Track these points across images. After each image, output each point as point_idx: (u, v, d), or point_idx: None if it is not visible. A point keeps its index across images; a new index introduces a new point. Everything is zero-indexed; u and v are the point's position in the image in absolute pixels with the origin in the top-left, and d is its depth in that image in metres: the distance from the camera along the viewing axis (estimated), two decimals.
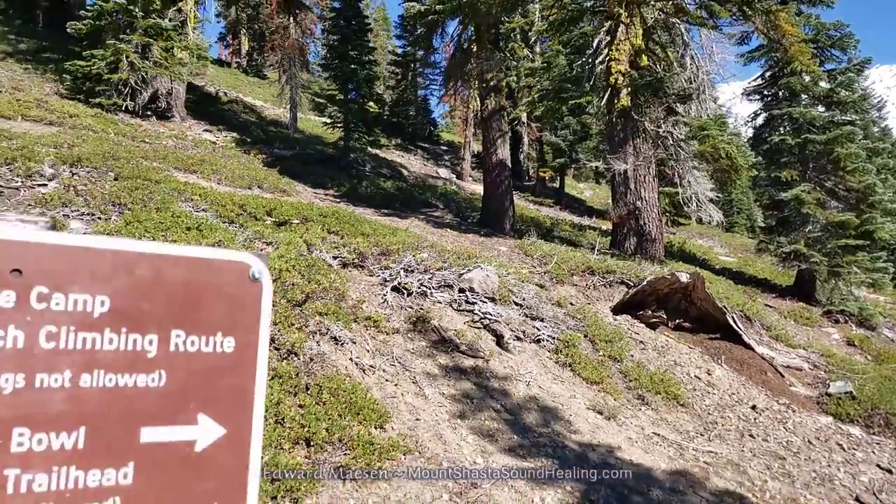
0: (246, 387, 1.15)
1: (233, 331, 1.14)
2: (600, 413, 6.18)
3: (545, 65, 22.99)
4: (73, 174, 8.57)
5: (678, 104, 13.92)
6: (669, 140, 13.68)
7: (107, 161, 9.35)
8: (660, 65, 13.83)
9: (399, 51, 37.78)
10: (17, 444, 0.93)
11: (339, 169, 17.93)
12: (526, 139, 31.74)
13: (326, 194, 15.08)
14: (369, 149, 20.50)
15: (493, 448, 5.09)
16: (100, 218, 7.13)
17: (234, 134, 16.74)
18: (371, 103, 20.71)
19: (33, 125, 12.27)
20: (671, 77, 13.52)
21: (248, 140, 17.45)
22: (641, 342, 8.27)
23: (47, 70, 17.28)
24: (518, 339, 7.26)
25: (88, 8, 16.26)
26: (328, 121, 19.97)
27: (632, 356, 7.65)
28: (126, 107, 15.17)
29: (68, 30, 16.27)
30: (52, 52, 18.80)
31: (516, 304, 8.11)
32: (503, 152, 16.11)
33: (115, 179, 8.73)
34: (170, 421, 1.06)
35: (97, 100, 14.97)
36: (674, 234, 23.93)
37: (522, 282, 8.93)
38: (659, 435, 6.15)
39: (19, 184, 7.73)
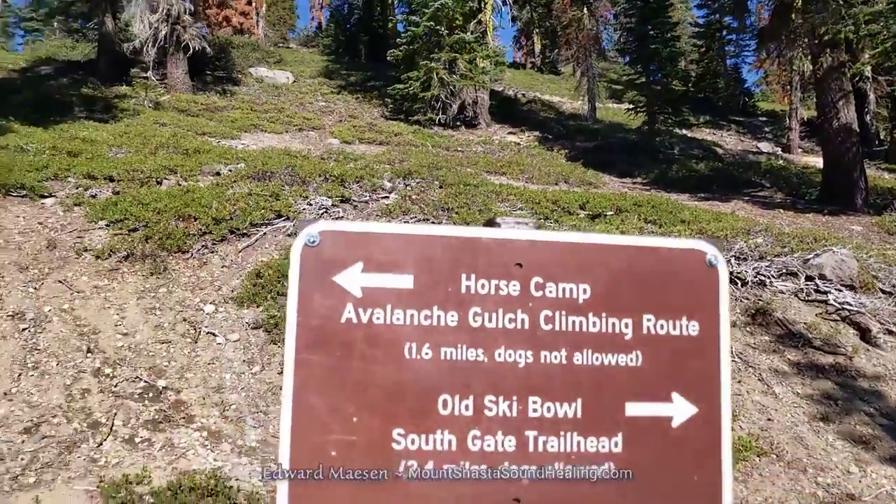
0: (712, 368, 1.23)
1: (695, 315, 1.24)
2: None
3: (892, 5, 19.08)
4: (406, 185, 9.99)
5: None
6: None
7: (431, 171, 10.66)
8: None
9: (701, 21, 35.38)
10: (532, 411, 1.16)
11: (645, 155, 17.55)
12: (872, 97, 26.80)
13: (634, 183, 14.90)
14: (676, 130, 19.65)
15: (869, 457, 4.51)
16: (433, 222, 8.19)
17: (536, 132, 17.68)
18: (675, 82, 19.83)
19: (368, 146, 14.66)
20: None
21: (550, 137, 18.23)
22: None
23: (373, 97, 20.47)
24: (890, 332, 6.28)
25: (402, 35, 18.81)
26: (629, 107, 19.73)
27: None
28: (439, 120, 17.15)
29: (388, 58, 19.06)
30: (376, 80, 22.19)
31: (884, 291, 7.01)
32: (847, 115, 13.91)
33: (441, 187, 9.92)
34: (649, 398, 1.20)
35: (415, 117, 17.25)
36: None
37: (890, 266, 7.64)
38: None
39: (367, 198, 9.28)
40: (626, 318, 1.22)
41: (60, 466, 3.67)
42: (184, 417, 4.44)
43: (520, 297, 1.18)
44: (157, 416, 4.39)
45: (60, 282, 6.14)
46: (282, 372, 4.01)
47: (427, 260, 1.14)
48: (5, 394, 4.37)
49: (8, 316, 5.41)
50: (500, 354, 1.16)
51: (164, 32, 16.72)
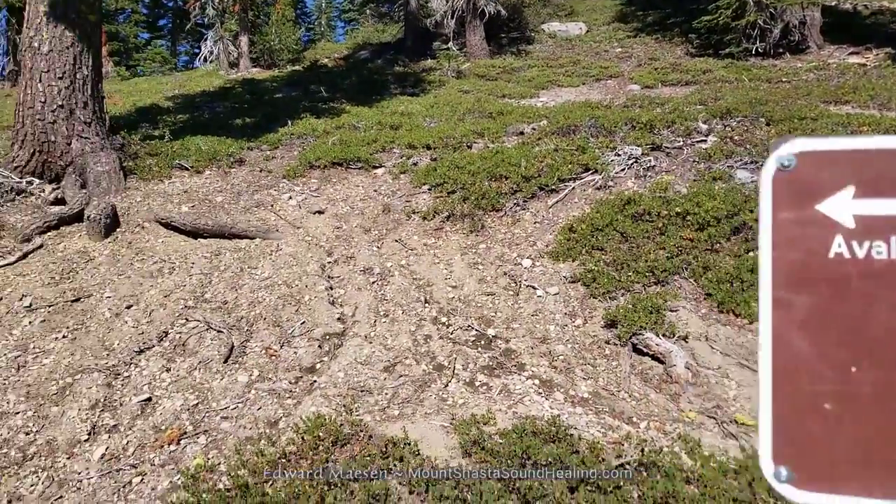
0: None
1: None
2: None
3: None
4: (725, 125, 9.11)
5: None
6: None
7: (754, 107, 9.55)
8: None
9: None
10: None
11: None
12: None
13: None
14: None
15: None
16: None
17: (887, 49, 14.67)
18: None
19: (673, 88, 13.74)
20: None
21: None
22: None
23: (674, 35, 19.10)
24: None
25: None
26: None
27: None
28: (755, 49, 15.31)
29: None
30: (675, 17, 20.64)
31: None
32: None
33: (768, 124, 8.84)
34: None
35: (726, 50, 15.66)
36: None
37: None
38: None
39: (681, 143, 8.69)
40: None
41: (417, 403, 4.17)
42: (515, 365, 4.71)
43: None
44: (490, 363, 4.73)
45: (396, 241, 6.97)
46: (606, 326, 3.96)
47: None
48: (366, 337, 5.12)
49: (360, 271, 6.32)
50: None
51: (461, 2, 17.78)
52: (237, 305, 5.74)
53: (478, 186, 7.56)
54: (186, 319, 5.47)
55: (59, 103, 8.10)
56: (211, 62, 21.51)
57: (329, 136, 10.32)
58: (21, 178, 8.02)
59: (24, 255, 6.48)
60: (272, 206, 7.88)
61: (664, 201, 6.58)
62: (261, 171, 9.13)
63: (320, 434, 3.68)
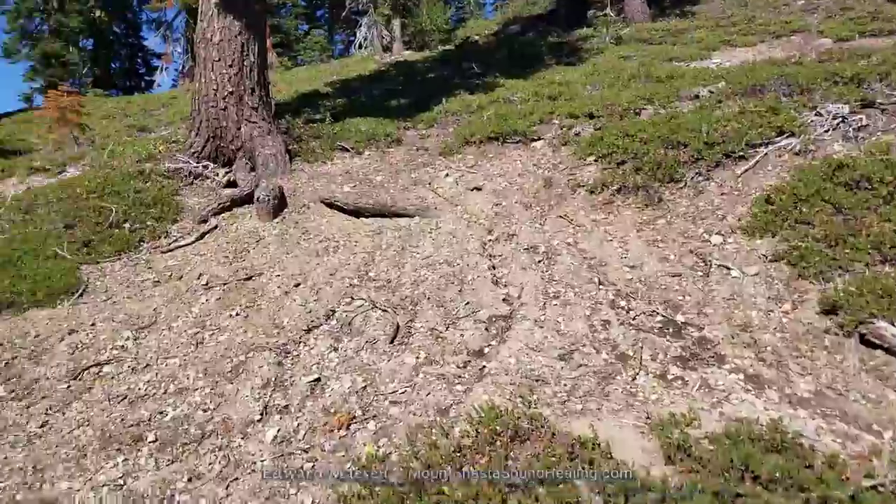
0: None
1: None
2: None
3: None
4: None
5: None
6: None
7: None
8: None
9: None
10: None
11: None
12: None
13: None
14: None
15: None
16: None
17: None
18: None
19: (874, 40, 11.89)
20: None
21: None
22: None
23: None
24: None
25: None
26: None
27: None
28: None
29: None
30: None
31: None
32: None
33: None
34: None
35: None
36: None
37: None
38: None
39: None
40: None
41: (601, 396, 3.71)
42: (713, 356, 4.09)
43: None
44: (683, 353, 4.15)
45: (561, 217, 6.49)
46: (824, 312, 3.20)
47: None
48: (535, 320, 4.72)
49: (524, 249, 5.93)
50: None
51: None
52: (400, 284, 5.58)
53: (652, 155, 6.85)
54: (352, 298, 5.39)
55: (230, 90, 8.44)
56: (365, 48, 22.04)
57: (484, 111, 9.98)
58: (198, 163, 8.48)
59: (202, 236, 6.79)
60: (430, 184, 7.70)
61: (887, 165, 5.51)
62: (417, 150, 9.01)
63: (497, 427, 3.34)
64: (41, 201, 7.75)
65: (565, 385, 3.87)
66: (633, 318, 4.65)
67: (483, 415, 3.49)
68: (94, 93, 24.76)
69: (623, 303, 4.88)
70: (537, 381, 3.94)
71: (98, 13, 28.94)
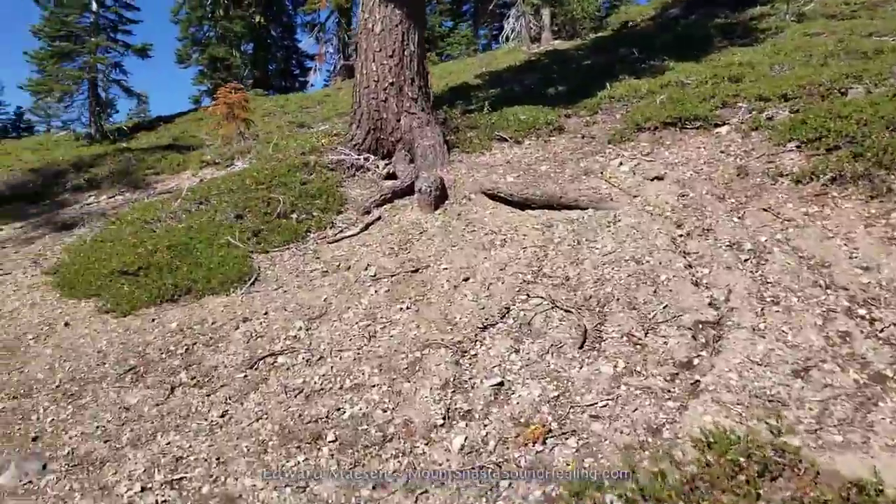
0: None
1: None
2: None
3: None
4: None
5: None
6: None
7: None
8: None
9: None
10: None
11: None
12: None
13: None
14: None
15: None
16: None
17: None
18: None
19: None
20: None
21: None
22: None
23: None
24: None
25: None
26: None
27: None
28: None
29: None
30: None
31: None
32: None
33: None
34: None
35: None
36: None
37: None
38: None
39: None
40: None
41: (865, 426, 3.00)
42: None
43: None
44: None
45: (764, 210, 5.66)
46: None
47: None
48: (753, 329, 4.02)
49: (725, 246, 5.19)
50: None
51: None
52: (581, 283, 5.05)
53: (874, 140, 5.81)
54: (528, 295, 4.95)
55: (390, 80, 8.31)
56: (513, 39, 21.62)
57: (655, 95, 9.18)
58: (359, 154, 8.44)
59: (366, 227, 6.65)
60: (601, 173, 7.09)
61: None
62: (582, 138, 8.41)
63: (735, 457, 2.75)
64: (213, 192, 8.03)
65: (811, 409, 3.17)
66: (881, 331, 3.82)
67: (712, 440, 2.91)
68: (255, 93, 26.26)
69: (863, 311, 4.05)
70: (771, 401, 3.28)
71: (258, 18, 30.74)
